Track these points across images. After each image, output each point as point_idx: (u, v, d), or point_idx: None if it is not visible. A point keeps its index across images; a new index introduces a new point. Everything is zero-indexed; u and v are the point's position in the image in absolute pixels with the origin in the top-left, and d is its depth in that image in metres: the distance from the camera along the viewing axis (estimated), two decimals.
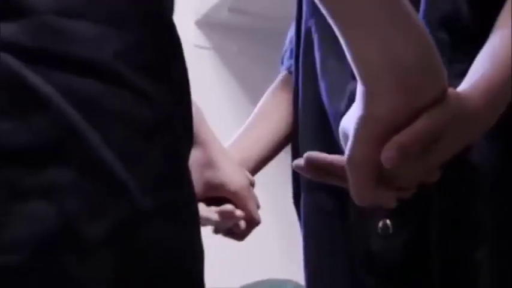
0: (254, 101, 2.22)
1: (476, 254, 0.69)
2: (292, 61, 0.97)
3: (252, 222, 0.90)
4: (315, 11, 0.85)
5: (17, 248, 0.41)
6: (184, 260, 0.48)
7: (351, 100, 0.76)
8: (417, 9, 0.70)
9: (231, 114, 2.25)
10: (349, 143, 0.56)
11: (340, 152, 0.77)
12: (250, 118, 1.01)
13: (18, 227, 0.41)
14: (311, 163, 0.63)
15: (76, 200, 0.42)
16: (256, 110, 1.02)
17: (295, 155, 0.89)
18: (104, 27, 0.45)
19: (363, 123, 0.55)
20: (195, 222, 0.50)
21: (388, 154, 0.54)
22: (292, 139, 0.92)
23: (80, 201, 0.42)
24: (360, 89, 0.55)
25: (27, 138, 0.42)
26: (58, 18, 0.43)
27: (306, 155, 0.63)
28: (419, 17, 0.69)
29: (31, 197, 0.41)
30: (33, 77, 0.42)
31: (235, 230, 0.90)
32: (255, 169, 0.96)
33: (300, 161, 0.64)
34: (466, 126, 0.58)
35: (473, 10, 0.69)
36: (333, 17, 0.54)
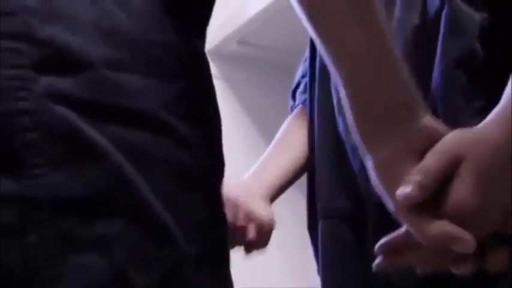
0: (258, 125, 2.24)
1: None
2: (306, 95, 0.97)
3: (265, 225, 0.89)
4: None
5: None
6: None
7: None
8: (434, 50, 0.70)
9: (237, 136, 2.26)
10: (384, 197, 0.56)
11: (357, 182, 0.77)
12: (268, 150, 1.02)
13: (71, 279, 0.40)
14: (387, 249, 0.60)
15: (127, 251, 0.42)
16: (273, 142, 1.02)
17: (311, 184, 0.88)
18: (149, 79, 0.45)
19: (373, 170, 0.56)
20: (228, 264, 0.50)
21: (406, 184, 0.53)
22: (308, 169, 0.91)
23: (130, 253, 0.42)
24: (357, 141, 0.57)
25: (81, 190, 0.41)
26: (109, 72, 0.43)
27: (378, 245, 0.60)
28: (436, 58, 0.69)
29: (84, 248, 0.41)
30: (90, 130, 0.42)
31: (245, 239, 0.88)
32: (274, 196, 0.96)
33: (379, 259, 0.61)
34: (488, 158, 0.54)
35: (486, 48, 0.68)
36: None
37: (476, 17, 0.68)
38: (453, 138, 0.56)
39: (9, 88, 0.40)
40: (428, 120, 0.56)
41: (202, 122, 0.48)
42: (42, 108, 0.41)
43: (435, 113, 0.70)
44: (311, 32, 0.55)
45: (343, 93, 0.56)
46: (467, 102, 0.66)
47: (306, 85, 0.99)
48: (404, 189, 0.53)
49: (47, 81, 0.41)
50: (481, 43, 0.68)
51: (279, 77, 2.22)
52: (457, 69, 0.68)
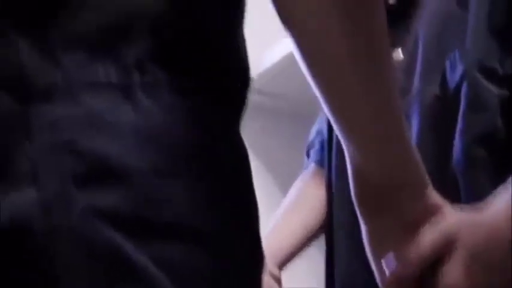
0: (274, 174, 2.22)
1: None
2: (321, 154, 0.96)
3: None
4: None
5: None
6: None
7: None
8: (454, 123, 0.69)
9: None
10: (372, 265, 0.56)
11: None
12: (280, 210, 1.00)
13: None
14: None
15: None
16: (286, 202, 1.00)
17: (330, 249, 0.85)
18: (189, 183, 0.42)
19: (366, 237, 0.56)
20: None
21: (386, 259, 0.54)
22: (326, 232, 0.88)
23: None
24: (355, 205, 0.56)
25: None
26: (148, 182, 0.41)
27: None
28: (457, 133, 0.68)
29: None
30: (129, 247, 0.39)
31: None
32: (286, 260, 0.95)
33: None
34: (483, 243, 0.53)
35: (508, 125, 0.67)
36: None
37: (496, 92, 0.67)
38: (452, 218, 0.54)
39: (49, 204, 0.38)
40: (430, 195, 0.55)
41: (243, 220, 0.46)
42: (82, 226, 0.39)
43: (456, 187, 0.68)
44: (323, 105, 0.54)
45: (348, 159, 0.55)
46: (488, 178, 0.64)
47: (321, 143, 0.97)
48: (392, 264, 0.53)
49: (86, 197, 0.39)
50: (503, 119, 0.67)
51: (293, 126, 2.21)
52: (479, 146, 0.67)
